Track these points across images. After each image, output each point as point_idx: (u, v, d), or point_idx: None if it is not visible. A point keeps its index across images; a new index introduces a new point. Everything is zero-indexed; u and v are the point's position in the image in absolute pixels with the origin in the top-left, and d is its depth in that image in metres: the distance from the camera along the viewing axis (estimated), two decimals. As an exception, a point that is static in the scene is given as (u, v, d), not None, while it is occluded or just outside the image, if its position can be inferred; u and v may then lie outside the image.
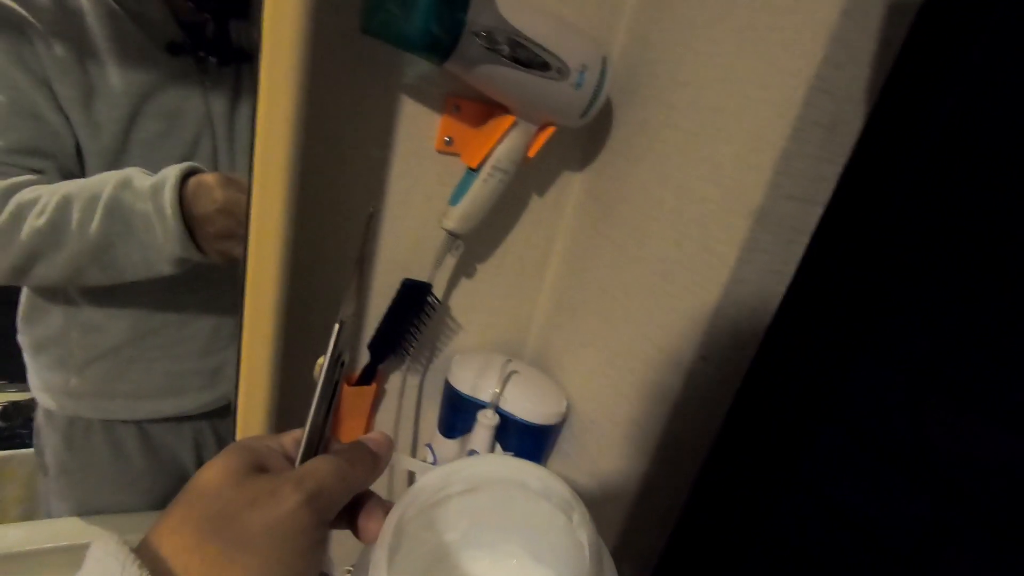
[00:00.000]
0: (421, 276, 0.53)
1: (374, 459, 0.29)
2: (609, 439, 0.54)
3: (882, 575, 0.38)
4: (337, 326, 0.27)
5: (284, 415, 0.48)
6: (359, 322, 0.55)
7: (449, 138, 0.51)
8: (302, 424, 0.28)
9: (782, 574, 0.44)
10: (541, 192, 0.59)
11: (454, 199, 0.50)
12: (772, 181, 0.41)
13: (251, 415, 0.46)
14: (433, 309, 0.54)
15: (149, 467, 0.71)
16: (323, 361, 0.27)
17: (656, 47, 0.50)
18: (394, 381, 0.59)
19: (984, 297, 0.34)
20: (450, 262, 0.57)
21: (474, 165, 0.48)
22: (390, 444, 0.31)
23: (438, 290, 0.57)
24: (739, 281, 0.44)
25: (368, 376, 0.55)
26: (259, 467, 0.26)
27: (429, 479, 0.31)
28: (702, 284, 0.45)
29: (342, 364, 0.29)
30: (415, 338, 0.55)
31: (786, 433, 0.44)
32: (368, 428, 0.60)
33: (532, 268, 0.62)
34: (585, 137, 0.58)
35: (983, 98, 0.35)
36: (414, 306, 0.53)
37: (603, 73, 0.46)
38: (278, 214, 0.41)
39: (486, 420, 0.53)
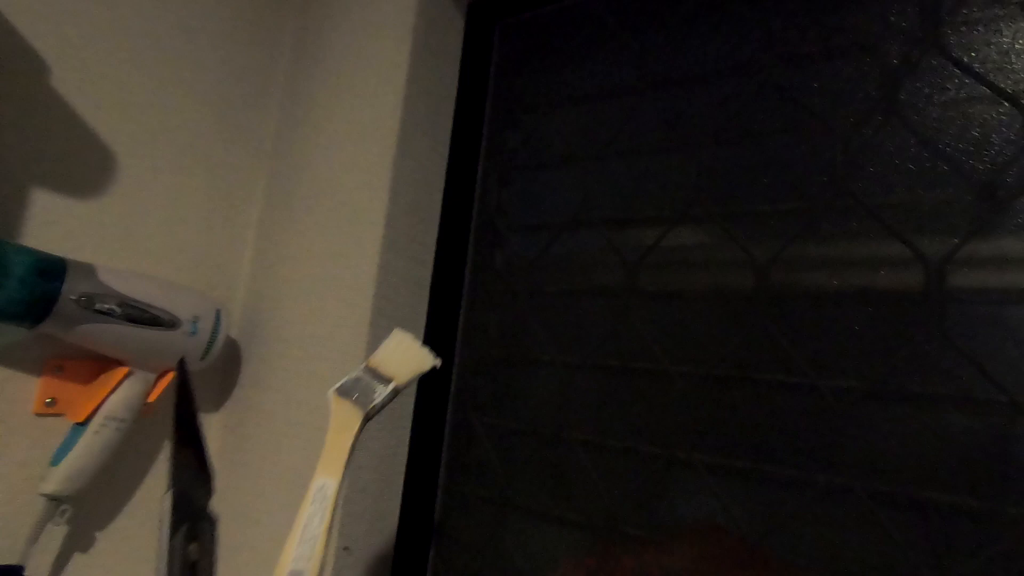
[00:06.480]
0: (11, 559, 0.45)
1: None
2: None
3: None
4: (170, 495, 0.24)
5: None
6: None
7: (51, 399, 0.49)
8: None
9: None
10: (175, 436, 0.59)
11: (56, 459, 0.47)
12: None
13: None
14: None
15: None
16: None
17: (267, 298, 0.62)
18: None
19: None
20: (61, 534, 0.50)
21: (81, 419, 0.48)
22: None
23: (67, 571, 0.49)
24: (358, 467, 0.52)
25: None
26: None
27: None
28: (331, 480, 0.52)
29: (197, 537, 0.24)
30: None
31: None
32: None
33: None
34: (219, 378, 0.63)
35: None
36: (-4, 601, 0.44)
37: (217, 320, 0.55)
38: None
39: None
